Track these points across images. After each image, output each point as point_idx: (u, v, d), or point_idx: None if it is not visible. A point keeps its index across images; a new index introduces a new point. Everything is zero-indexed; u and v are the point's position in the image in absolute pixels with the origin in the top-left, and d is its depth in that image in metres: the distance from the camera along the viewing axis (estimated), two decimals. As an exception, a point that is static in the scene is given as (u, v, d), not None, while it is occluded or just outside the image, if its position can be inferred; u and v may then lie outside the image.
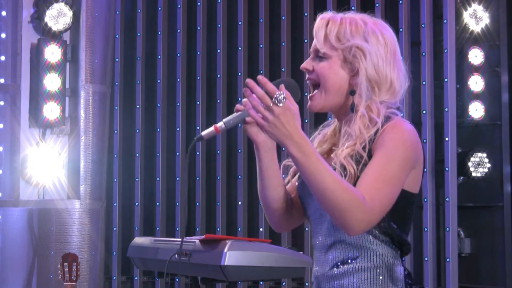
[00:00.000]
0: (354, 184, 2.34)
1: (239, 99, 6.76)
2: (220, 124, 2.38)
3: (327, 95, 2.47)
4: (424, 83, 6.01)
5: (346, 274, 2.43)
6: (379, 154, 2.36)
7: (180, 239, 3.09)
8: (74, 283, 5.09)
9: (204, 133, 2.38)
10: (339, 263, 2.44)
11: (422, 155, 2.47)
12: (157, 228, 6.98)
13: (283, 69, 6.57)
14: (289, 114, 2.28)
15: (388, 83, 2.46)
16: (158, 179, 7.05)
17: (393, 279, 2.42)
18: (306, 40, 6.47)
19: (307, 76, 2.51)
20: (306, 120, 6.39)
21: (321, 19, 2.53)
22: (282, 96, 2.28)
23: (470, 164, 6.03)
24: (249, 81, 2.31)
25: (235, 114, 2.41)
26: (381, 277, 2.41)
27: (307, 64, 2.51)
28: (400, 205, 2.41)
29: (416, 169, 2.45)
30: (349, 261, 2.42)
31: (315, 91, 2.50)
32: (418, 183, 2.49)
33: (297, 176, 2.61)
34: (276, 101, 2.28)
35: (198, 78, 7.00)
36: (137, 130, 7.10)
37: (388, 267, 2.42)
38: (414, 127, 2.45)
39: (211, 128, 2.37)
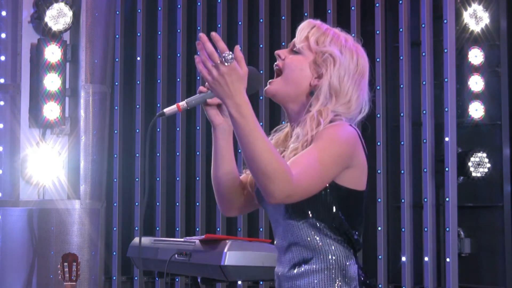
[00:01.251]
0: None
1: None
2: (182, 103, 2.53)
3: (285, 84, 2.57)
4: (424, 83, 6.02)
5: (303, 275, 2.48)
6: (313, 145, 2.44)
7: (181, 239, 3.09)
8: (74, 283, 5.09)
9: (166, 110, 2.53)
10: (295, 265, 2.50)
11: (360, 156, 2.50)
12: (157, 228, 6.98)
13: (283, 69, 6.57)
14: (234, 75, 2.35)
15: (346, 98, 2.53)
16: (158, 179, 7.05)
17: (346, 279, 2.47)
18: (306, 40, 6.47)
19: (275, 62, 2.60)
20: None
21: (308, 22, 2.63)
22: (230, 56, 2.35)
23: (470, 164, 6.03)
24: (202, 35, 2.38)
25: (197, 95, 2.55)
26: (334, 277, 2.46)
27: (281, 51, 2.63)
28: (349, 202, 2.48)
29: (354, 169, 2.49)
30: (304, 262, 2.49)
31: (277, 78, 2.60)
32: (361, 182, 2.52)
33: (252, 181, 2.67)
34: (224, 60, 2.35)
35: (198, 78, 7.00)
36: (137, 130, 7.10)
37: (341, 267, 2.47)
38: (357, 131, 2.52)
39: (174, 106, 2.52)
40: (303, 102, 2.56)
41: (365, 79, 2.59)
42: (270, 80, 2.60)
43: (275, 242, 2.61)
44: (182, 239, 4.34)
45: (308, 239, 2.47)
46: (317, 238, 2.47)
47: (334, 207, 2.46)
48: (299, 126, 2.54)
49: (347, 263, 2.47)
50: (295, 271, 2.49)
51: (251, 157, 2.36)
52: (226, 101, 2.36)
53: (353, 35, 6.28)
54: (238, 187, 2.69)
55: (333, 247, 2.47)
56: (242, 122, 2.35)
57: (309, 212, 2.46)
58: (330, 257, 2.46)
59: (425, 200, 5.95)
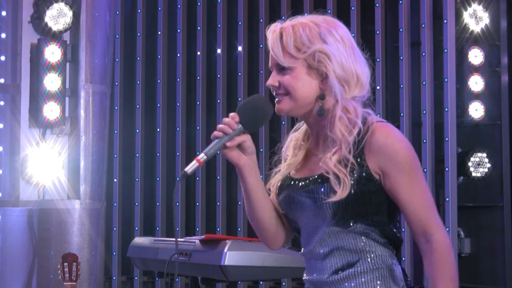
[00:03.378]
0: (349, 193, 2.38)
1: (239, 99, 6.76)
2: (201, 155, 2.42)
3: (296, 103, 2.48)
4: (424, 83, 6.02)
5: (348, 278, 2.43)
6: (406, 181, 2.41)
7: (181, 239, 3.08)
8: (74, 283, 5.08)
9: (187, 168, 2.41)
10: (338, 270, 2.45)
11: None
12: (157, 228, 6.98)
13: (283, 69, 6.57)
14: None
15: (355, 78, 2.47)
16: (158, 179, 7.05)
17: (394, 279, 2.44)
18: (306, 40, 6.47)
19: (274, 92, 2.50)
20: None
21: (272, 32, 2.51)
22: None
23: (470, 164, 6.03)
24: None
25: (213, 142, 2.45)
26: (381, 278, 2.43)
27: (272, 80, 2.50)
28: (391, 206, 2.46)
29: None
30: (349, 266, 2.44)
31: (285, 97, 2.50)
32: None
33: (275, 190, 2.60)
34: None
35: (198, 78, 7.00)
36: (137, 130, 7.10)
37: (388, 267, 2.44)
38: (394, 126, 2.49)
39: (194, 162, 2.41)
40: (316, 107, 2.48)
41: (354, 44, 2.51)
42: (277, 99, 2.50)
43: (305, 250, 2.53)
44: (182, 239, 4.34)
45: (354, 243, 2.43)
46: (363, 242, 2.43)
47: (381, 209, 2.44)
48: (325, 129, 2.46)
49: (393, 263, 2.45)
50: (338, 275, 2.44)
51: None
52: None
53: (353, 35, 6.28)
54: (278, 218, 2.61)
55: (379, 249, 2.44)
56: None
57: (356, 218, 2.42)
58: (375, 258, 2.43)
59: (425, 200, 5.95)
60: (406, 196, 2.41)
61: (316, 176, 2.45)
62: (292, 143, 2.59)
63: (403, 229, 6.03)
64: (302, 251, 2.56)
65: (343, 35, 2.48)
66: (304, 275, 2.56)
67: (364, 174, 2.41)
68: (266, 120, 2.52)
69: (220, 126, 2.45)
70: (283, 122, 6.38)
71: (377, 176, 2.41)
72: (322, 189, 2.41)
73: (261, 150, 6.54)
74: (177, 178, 2.44)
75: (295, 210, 2.51)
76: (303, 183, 2.48)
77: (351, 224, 2.42)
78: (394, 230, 2.47)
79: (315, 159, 2.49)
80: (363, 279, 2.42)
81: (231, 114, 2.47)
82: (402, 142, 2.43)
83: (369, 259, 2.43)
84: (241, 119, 2.46)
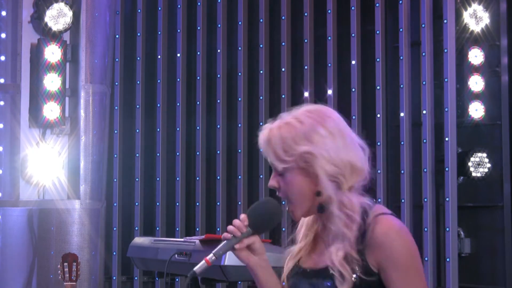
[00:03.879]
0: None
1: (239, 99, 6.77)
2: (210, 256, 2.45)
3: (299, 206, 2.49)
4: (424, 83, 6.01)
5: None
6: (400, 278, 2.39)
7: (181, 239, 3.09)
8: (74, 283, 5.08)
9: (196, 268, 2.45)
10: None
11: None
12: (157, 228, 6.98)
13: (283, 69, 6.57)
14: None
15: (349, 168, 2.43)
16: (158, 179, 7.05)
17: None
18: (306, 40, 6.47)
19: (278, 193, 2.53)
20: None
21: (262, 137, 2.49)
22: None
23: (470, 164, 6.03)
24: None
25: (222, 243, 2.49)
26: None
27: (273, 181, 2.52)
28: None
29: None
30: None
31: (291, 204, 2.52)
32: None
33: (285, 277, 2.61)
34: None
35: (198, 78, 7.00)
36: (137, 130, 7.10)
37: None
38: (398, 218, 2.47)
39: (203, 262, 2.45)
40: (318, 203, 2.47)
41: (345, 132, 2.46)
42: (288, 209, 2.52)
43: None
44: (182, 239, 4.34)
45: None
46: None
47: None
48: (328, 222, 2.47)
49: None
50: None
51: None
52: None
53: (353, 35, 6.29)
54: None
55: None
56: None
57: None
58: None
59: (425, 200, 5.95)
60: None
61: (321, 270, 2.47)
62: (303, 228, 2.61)
63: None
64: None
65: (330, 127, 2.44)
66: None
67: (366, 270, 2.41)
68: (276, 224, 2.56)
69: (230, 227, 2.48)
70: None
71: (377, 271, 2.41)
72: (325, 282, 2.44)
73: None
74: (187, 275, 2.48)
75: None
76: (308, 274, 2.51)
77: None
78: None
79: (322, 248, 2.51)
80: None
81: (242, 216, 2.51)
82: (402, 239, 2.41)
83: None
84: (250, 222, 2.51)
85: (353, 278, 2.40)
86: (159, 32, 7.12)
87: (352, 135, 2.46)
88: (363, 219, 2.43)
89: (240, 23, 6.83)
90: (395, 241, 2.40)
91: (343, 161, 2.42)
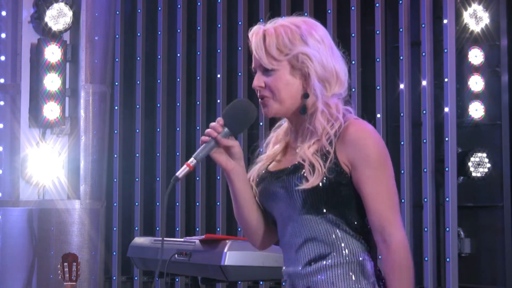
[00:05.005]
0: (320, 181, 2.44)
1: (239, 99, 6.76)
2: (191, 160, 2.51)
3: (281, 104, 2.55)
4: (424, 83, 6.01)
5: (320, 271, 2.48)
6: (371, 175, 2.46)
7: (181, 239, 3.10)
8: (74, 283, 5.08)
9: (178, 173, 2.51)
10: (311, 261, 2.49)
11: None
12: (157, 228, 6.98)
13: (283, 69, 6.56)
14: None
15: (335, 76, 2.54)
16: (158, 179, 7.05)
17: (364, 274, 2.48)
18: (306, 40, 6.46)
19: (259, 93, 2.56)
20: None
21: (256, 35, 2.56)
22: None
23: (470, 164, 6.03)
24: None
25: (201, 147, 2.54)
26: (352, 273, 2.47)
27: (257, 82, 2.57)
28: (360, 202, 2.50)
29: None
30: (321, 258, 2.48)
31: (270, 100, 2.57)
32: None
33: (254, 184, 2.65)
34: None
35: (198, 78, 7.00)
36: (137, 130, 7.10)
37: (359, 262, 2.48)
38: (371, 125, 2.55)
39: (184, 167, 2.50)
40: (301, 105, 2.55)
41: (332, 45, 2.58)
42: (262, 102, 2.57)
43: (281, 241, 2.59)
44: (182, 239, 4.34)
45: (326, 234, 2.48)
46: (335, 233, 2.48)
47: (351, 203, 2.48)
48: (306, 122, 2.54)
49: (364, 258, 2.48)
50: (311, 267, 2.49)
51: None
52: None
53: (353, 35, 6.29)
54: (265, 219, 2.66)
55: (350, 243, 2.48)
56: None
57: (327, 207, 2.47)
58: (347, 252, 2.47)
59: (425, 200, 5.95)
60: (369, 191, 2.45)
61: (291, 167, 2.52)
62: (273, 139, 2.67)
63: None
64: (279, 243, 2.62)
65: (322, 35, 2.56)
66: (283, 267, 2.61)
67: (335, 166, 2.47)
68: (251, 122, 2.59)
69: (207, 130, 2.54)
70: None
71: (347, 169, 2.47)
72: (295, 177, 2.48)
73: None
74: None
75: (270, 201, 2.58)
76: (278, 174, 2.55)
77: (322, 212, 2.47)
78: (365, 226, 2.50)
79: (293, 152, 2.57)
80: (335, 272, 2.47)
81: (218, 118, 2.56)
82: (374, 138, 2.49)
83: (341, 252, 2.47)
84: (226, 123, 2.54)
85: (325, 170, 2.46)
86: (159, 32, 7.12)
87: (337, 50, 2.60)
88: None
89: (240, 23, 6.83)
90: (368, 139, 2.48)
91: (331, 68, 2.54)
